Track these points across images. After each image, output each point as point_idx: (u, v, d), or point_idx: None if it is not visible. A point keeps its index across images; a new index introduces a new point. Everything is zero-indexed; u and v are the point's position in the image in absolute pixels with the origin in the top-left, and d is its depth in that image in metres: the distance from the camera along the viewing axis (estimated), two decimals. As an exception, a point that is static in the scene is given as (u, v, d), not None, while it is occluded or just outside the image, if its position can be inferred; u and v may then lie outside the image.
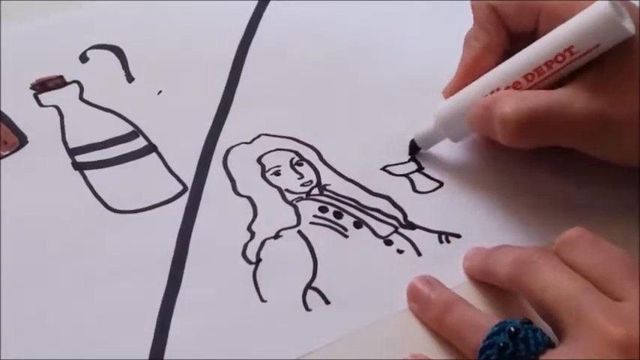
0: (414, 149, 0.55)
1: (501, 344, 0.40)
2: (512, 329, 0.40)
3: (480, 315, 0.44)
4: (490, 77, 0.50)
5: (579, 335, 0.39)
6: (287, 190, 0.53)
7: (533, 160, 0.53)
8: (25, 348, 0.45)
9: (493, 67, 0.51)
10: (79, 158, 0.55)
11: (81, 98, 0.59)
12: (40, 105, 0.58)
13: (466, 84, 0.52)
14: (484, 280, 0.47)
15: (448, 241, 0.50)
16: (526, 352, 0.40)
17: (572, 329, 0.39)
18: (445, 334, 0.45)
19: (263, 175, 0.54)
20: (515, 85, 0.49)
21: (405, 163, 0.54)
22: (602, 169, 0.50)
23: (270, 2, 0.65)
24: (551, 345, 0.40)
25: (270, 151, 0.55)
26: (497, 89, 0.49)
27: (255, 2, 0.65)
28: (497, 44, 0.52)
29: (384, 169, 0.54)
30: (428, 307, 0.46)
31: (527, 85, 0.49)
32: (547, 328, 0.41)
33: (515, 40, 0.52)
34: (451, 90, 0.53)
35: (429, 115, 0.54)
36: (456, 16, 0.60)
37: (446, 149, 0.54)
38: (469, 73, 0.52)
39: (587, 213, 0.50)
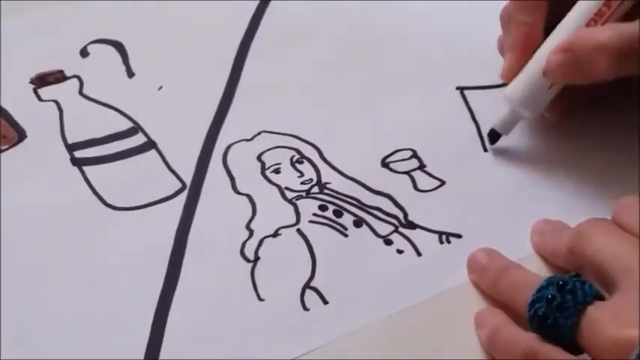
0: (495, 137, 0.54)
1: (549, 296, 0.41)
2: (561, 282, 0.41)
3: (532, 275, 0.44)
4: (553, 40, 0.50)
5: (629, 289, 0.39)
6: (287, 188, 0.52)
7: (535, 161, 0.53)
8: (22, 343, 0.45)
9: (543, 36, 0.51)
10: (78, 154, 0.55)
11: (81, 93, 0.59)
12: (40, 99, 0.58)
13: (526, 60, 0.52)
14: (549, 259, 0.47)
15: (449, 242, 0.49)
16: (573, 303, 0.40)
17: (623, 284, 0.40)
18: (499, 296, 0.45)
19: (263, 173, 0.53)
20: None
21: (407, 160, 0.54)
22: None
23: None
24: (600, 297, 0.41)
25: (271, 149, 0.54)
26: None
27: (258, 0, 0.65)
28: (543, 15, 0.52)
29: (384, 164, 0.53)
30: (484, 273, 0.46)
31: None
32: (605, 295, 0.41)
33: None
34: (511, 70, 0.53)
35: (430, 113, 0.54)
36: (458, 12, 0.61)
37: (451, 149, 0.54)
38: (526, 48, 0.52)
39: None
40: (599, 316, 0.39)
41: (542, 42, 0.51)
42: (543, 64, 0.50)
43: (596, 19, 0.49)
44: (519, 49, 0.52)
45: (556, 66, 0.49)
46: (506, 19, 0.54)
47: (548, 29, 0.52)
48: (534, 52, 0.51)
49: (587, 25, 0.49)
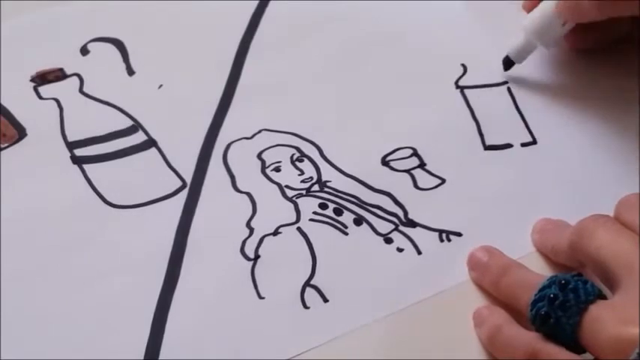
0: (509, 64, 0.57)
1: (551, 295, 0.41)
2: (563, 281, 0.41)
3: (534, 274, 0.44)
4: None
5: (631, 286, 0.39)
6: (287, 186, 0.52)
7: (535, 158, 0.53)
8: (22, 343, 0.46)
9: None
10: (78, 152, 0.55)
11: (81, 91, 0.58)
12: (40, 97, 0.58)
13: None
14: (550, 256, 0.47)
15: (449, 240, 0.49)
16: (576, 302, 0.40)
17: (625, 281, 0.40)
18: (501, 296, 0.45)
19: (263, 171, 0.53)
20: None
21: (407, 158, 0.54)
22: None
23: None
24: (602, 296, 0.41)
25: (271, 147, 0.54)
26: None
27: (258, -2, 0.65)
28: None
29: (385, 162, 0.53)
30: (485, 272, 0.46)
31: None
32: (607, 292, 0.42)
33: None
34: (531, 2, 0.56)
35: (430, 111, 0.54)
36: (458, 11, 0.61)
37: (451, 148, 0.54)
38: None
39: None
40: (601, 315, 0.39)
41: None
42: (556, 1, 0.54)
43: None
44: None
45: (563, 6, 0.53)
46: None
47: None
48: None
49: None
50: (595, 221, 0.43)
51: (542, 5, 0.55)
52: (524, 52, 0.56)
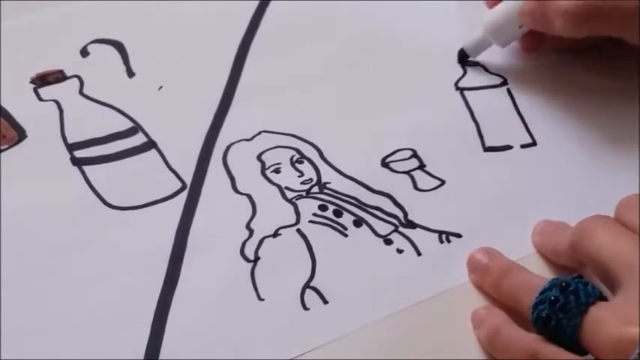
0: (464, 57, 0.58)
1: (552, 298, 0.41)
2: (563, 283, 0.41)
3: (535, 277, 0.44)
4: None
5: (631, 287, 0.39)
6: (287, 187, 0.52)
7: (535, 160, 0.53)
8: (22, 343, 0.46)
9: None
10: (78, 153, 0.55)
11: (81, 93, 0.59)
12: (40, 99, 0.58)
13: None
14: (550, 257, 0.48)
15: (449, 241, 0.49)
16: (576, 304, 0.40)
17: (625, 282, 0.40)
18: (502, 298, 0.45)
19: (263, 173, 0.53)
20: None
21: (407, 159, 0.54)
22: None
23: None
24: (602, 298, 0.41)
25: (271, 149, 0.54)
26: None
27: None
28: None
29: (384, 164, 0.53)
30: (486, 274, 0.46)
31: None
32: (607, 293, 0.42)
33: None
34: (494, 2, 0.57)
35: (430, 113, 0.55)
36: (458, 12, 0.61)
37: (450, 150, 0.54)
38: None
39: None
40: (601, 316, 0.39)
41: None
42: (518, 4, 0.54)
43: None
44: None
45: (526, 13, 0.54)
46: None
47: None
48: None
49: None
50: (595, 222, 0.43)
51: (503, 5, 0.56)
52: (479, 48, 0.58)
